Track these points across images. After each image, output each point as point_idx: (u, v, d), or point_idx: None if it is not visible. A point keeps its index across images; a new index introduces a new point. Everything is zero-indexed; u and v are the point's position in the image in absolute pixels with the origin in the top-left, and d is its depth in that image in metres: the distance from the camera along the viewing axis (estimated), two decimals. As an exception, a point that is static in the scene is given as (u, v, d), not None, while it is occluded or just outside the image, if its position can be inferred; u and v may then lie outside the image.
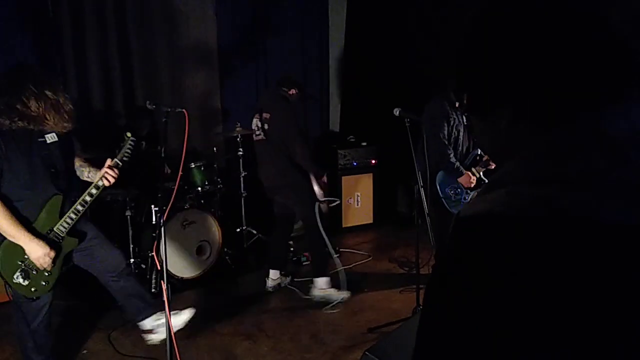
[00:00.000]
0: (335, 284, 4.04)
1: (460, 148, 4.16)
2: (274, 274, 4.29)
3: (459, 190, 4.13)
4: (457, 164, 4.06)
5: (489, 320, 0.53)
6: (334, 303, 3.94)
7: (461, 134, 4.13)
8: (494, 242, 0.55)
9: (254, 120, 4.15)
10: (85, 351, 3.35)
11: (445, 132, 4.04)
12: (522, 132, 0.65)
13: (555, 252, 0.51)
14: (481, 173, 4.14)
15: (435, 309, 0.60)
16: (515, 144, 0.66)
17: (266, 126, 4.03)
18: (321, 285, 4.02)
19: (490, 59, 0.66)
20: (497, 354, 0.52)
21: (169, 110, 2.54)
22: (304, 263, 4.82)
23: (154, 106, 2.52)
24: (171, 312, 2.55)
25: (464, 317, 0.55)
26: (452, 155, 4.04)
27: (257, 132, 4.11)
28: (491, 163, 4.11)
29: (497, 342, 0.52)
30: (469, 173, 4.08)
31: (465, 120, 4.14)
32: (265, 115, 4.04)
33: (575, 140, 0.59)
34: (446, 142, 4.03)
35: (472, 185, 4.10)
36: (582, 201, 0.53)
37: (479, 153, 4.19)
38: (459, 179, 4.09)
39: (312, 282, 4.08)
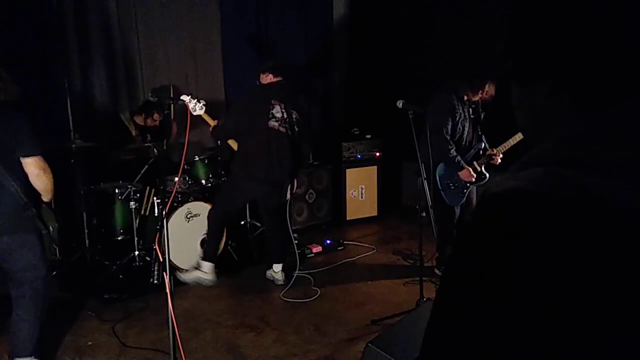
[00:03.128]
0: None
1: (464, 142, 4.12)
2: (277, 267, 4.25)
3: (457, 183, 4.10)
4: (458, 157, 4.02)
5: (511, 298, 0.52)
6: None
7: (466, 128, 4.10)
8: (523, 220, 0.54)
9: (276, 107, 3.94)
10: (90, 343, 3.37)
11: (449, 127, 4.00)
12: (561, 110, 0.64)
13: (582, 238, 0.51)
14: (482, 167, 4.11)
15: (455, 284, 0.58)
16: (551, 122, 0.65)
17: (296, 128, 4.04)
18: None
19: (541, 27, 0.65)
20: (516, 329, 0.52)
21: (171, 102, 2.54)
22: (308, 255, 4.83)
23: (156, 98, 2.51)
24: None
25: (486, 294, 0.54)
26: (452, 149, 4.00)
27: (280, 124, 3.95)
28: (494, 159, 4.07)
29: (517, 319, 0.52)
30: (470, 168, 4.04)
31: (471, 114, 4.11)
32: (296, 114, 4.04)
33: (616, 126, 0.58)
34: (448, 138, 4.00)
35: (473, 179, 4.07)
36: (616, 189, 0.53)
37: (482, 147, 4.16)
38: (459, 173, 4.06)
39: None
